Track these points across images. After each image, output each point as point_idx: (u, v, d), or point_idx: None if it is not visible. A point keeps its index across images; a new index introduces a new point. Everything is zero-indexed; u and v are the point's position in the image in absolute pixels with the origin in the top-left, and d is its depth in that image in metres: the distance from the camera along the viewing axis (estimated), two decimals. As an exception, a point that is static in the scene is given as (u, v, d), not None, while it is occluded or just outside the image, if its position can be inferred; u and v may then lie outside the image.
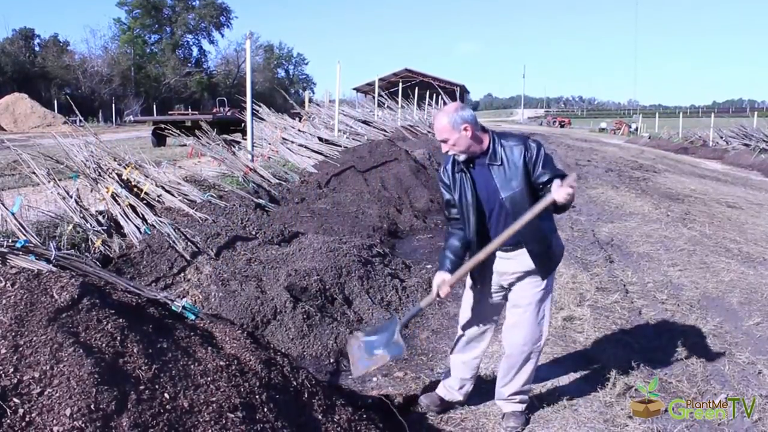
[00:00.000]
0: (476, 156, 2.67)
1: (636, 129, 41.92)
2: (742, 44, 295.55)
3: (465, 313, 2.98)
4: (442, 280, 2.71)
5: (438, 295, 2.72)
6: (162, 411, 1.87)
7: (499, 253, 2.75)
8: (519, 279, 2.79)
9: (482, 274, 2.84)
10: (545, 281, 2.79)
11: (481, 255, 2.65)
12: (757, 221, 8.84)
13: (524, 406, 2.97)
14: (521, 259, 2.74)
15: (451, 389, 3.09)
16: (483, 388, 3.24)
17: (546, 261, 2.74)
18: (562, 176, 2.51)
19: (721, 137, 26.33)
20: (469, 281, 2.93)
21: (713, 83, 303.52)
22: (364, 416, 2.61)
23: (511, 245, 2.69)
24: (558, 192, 2.40)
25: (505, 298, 2.90)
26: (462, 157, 2.68)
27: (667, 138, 31.00)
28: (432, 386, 3.24)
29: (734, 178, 16.19)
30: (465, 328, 2.98)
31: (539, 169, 2.60)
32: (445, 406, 3.11)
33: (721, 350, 3.84)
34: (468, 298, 2.96)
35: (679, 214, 8.71)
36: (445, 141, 2.64)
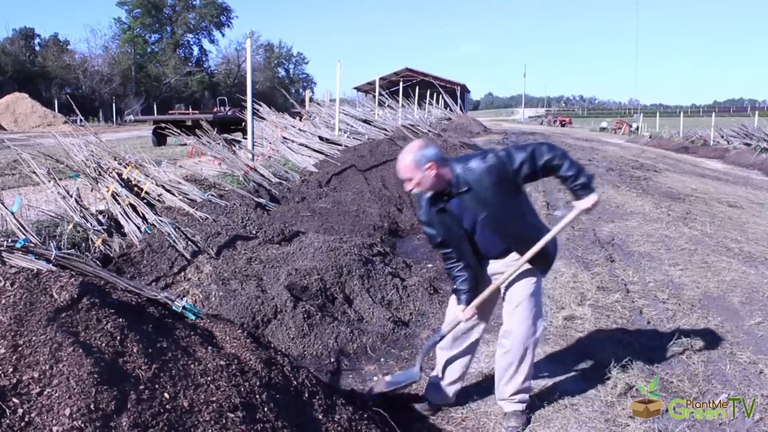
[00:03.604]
0: (443, 190, 2.68)
1: (637, 128, 41.92)
2: (742, 44, 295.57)
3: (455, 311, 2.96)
4: (463, 308, 2.83)
5: (463, 319, 2.85)
6: (162, 411, 1.87)
7: (491, 260, 2.85)
8: (516, 277, 2.81)
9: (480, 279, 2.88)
10: (536, 275, 2.83)
11: (501, 279, 2.79)
12: (758, 220, 8.82)
13: (525, 405, 2.97)
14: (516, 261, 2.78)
15: (440, 391, 3.08)
16: (483, 388, 3.24)
17: (542, 260, 2.79)
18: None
19: (722, 136, 26.25)
20: None
21: (714, 83, 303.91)
22: (365, 416, 2.60)
23: (500, 253, 2.80)
24: (584, 202, 2.65)
25: (497, 295, 2.92)
26: (428, 194, 2.70)
27: (667, 137, 30.93)
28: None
29: (735, 177, 16.15)
30: (454, 327, 2.97)
31: (519, 165, 2.62)
32: (437, 408, 3.11)
33: (722, 350, 3.84)
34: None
35: (680, 213, 8.69)
36: (408, 180, 2.64)
